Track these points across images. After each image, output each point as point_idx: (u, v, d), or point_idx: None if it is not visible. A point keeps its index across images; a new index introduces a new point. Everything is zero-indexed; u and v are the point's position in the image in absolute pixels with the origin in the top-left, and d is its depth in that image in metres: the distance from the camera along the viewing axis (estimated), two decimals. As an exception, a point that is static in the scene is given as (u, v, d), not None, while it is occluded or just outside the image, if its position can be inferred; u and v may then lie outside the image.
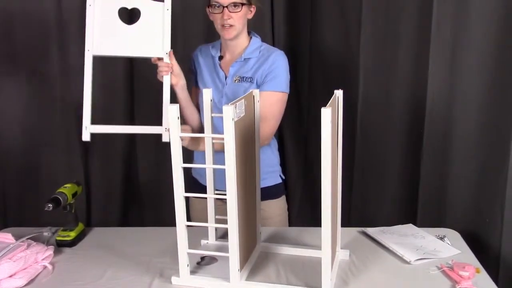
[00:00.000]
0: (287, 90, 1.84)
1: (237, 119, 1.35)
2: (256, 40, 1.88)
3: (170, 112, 1.32)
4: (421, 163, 2.11)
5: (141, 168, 2.52)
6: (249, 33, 1.88)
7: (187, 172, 1.69)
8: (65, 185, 1.75)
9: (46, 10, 2.30)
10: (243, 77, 1.82)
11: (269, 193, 1.93)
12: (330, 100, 1.34)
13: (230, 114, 1.29)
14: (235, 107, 1.33)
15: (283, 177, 2.02)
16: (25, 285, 1.45)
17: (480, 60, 1.94)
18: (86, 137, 1.72)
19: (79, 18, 2.25)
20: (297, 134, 2.41)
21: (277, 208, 1.98)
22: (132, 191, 2.55)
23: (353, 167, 2.27)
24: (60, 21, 2.30)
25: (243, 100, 1.42)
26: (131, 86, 2.42)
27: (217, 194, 1.62)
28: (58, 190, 1.71)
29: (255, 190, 1.61)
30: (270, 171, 1.96)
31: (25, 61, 2.34)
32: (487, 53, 1.93)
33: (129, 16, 1.73)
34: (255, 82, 1.82)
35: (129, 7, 1.72)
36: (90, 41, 1.70)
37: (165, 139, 1.67)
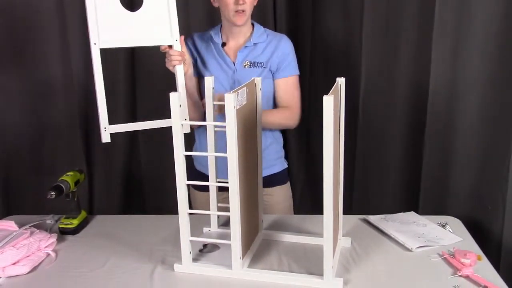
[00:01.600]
0: (298, 72, 1.91)
1: (239, 107, 1.34)
2: (259, 26, 1.89)
3: (171, 100, 1.31)
4: (423, 151, 2.10)
5: (143, 155, 2.52)
6: None
7: (190, 165, 1.68)
8: (68, 173, 1.75)
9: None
10: (254, 62, 1.83)
11: (277, 179, 1.96)
12: (333, 88, 1.34)
13: (232, 101, 1.28)
14: (237, 94, 1.32)
15: (287, 162, 2.05)
16: (28, 272, 1.46)
17: (483, 50, 1.93)
18: (106, 138, 1.64)
19: (80, 6, 2.25)
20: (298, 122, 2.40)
21: (284, 194, 2.01)
22: (134, 179, 2.55)
23: (355, 154, 2.27)
24: (60, 9, 2.29)
25: (245, 88, 1.41)
26: (133, 79, 2.41)
27: (219, 181, 1.62)
28: (61, 178, 1.71)
29: (257, 177, 1.61)
30: (278, 157, 1.99)
31: (27, 49, 2.33)
32: (490, 43, 1.91)
33: (129, 3, 1.70)
34: (268, 67, 1.83)
35: None
36: (95, 33, 1.57)
37: (185, 130, 1.66)
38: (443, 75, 2.02)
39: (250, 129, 1.49)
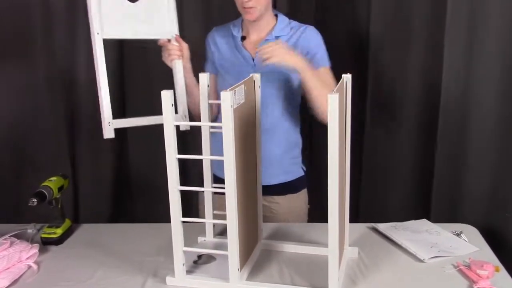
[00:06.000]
0: (329, 64, 1.85)
1: (236, 106, 1.34)
2: (284, 18, 1.89)
3: (163, 98, 1.31)
4: (435, 154, 2.10)
5: (133, 158, 2.52)
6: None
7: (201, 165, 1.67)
8: (51, 178, 1.75)
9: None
10: None
11: (290, 187, 1.95)
12: (338, 85, 1.34)
13: (229, 100, 1.28)
14: (234, 93, 1.32)
15: (304, 169, 2.02)
16: (8, 286, 1.45)
17: (499, 46, 1.94)
18: (109, 133, 1.63)
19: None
20: (302, 119, 2.40)
21: (297, 202, 1.99)
22: (124, 184, 2.55)
23: (362, 157, 2.27)
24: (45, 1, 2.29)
25: (242, 85, 1.41)
26: (121, 74, 2.41)
27: (216, 187, 1.62)
28: (43, 184, 1.71)
29: (256, 182, 1.61)
30: (294, 163, 1.97)
31: (8, 45, 2.33)
32: (506, 38, 1.92)
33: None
34: None
35: None
36: (97, 23, 1.61)
37: (183, 128, 1.66)
38: (457, 73, 2.02)
39: (248, 130, 1.48)
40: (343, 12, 2.24)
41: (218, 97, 1.83)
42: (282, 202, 1.95)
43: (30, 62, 2.35)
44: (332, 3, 2.26)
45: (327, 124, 1.65)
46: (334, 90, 1.24)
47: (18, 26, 2.31)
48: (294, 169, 1.97)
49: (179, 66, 1.72)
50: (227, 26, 1.91)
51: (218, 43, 1.91)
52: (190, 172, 2.30)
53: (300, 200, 2.00)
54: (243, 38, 1.88)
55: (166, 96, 1.31)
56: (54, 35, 2.31)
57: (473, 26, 1.97)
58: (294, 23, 1.89)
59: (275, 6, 2.28)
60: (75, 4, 2.28)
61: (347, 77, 1.47)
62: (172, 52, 1.70)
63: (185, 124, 1.67)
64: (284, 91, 1.85)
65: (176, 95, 1.68)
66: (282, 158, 1.92)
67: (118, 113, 2.37)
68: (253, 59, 1.84)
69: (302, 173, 2.00)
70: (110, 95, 2.38)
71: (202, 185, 1.61)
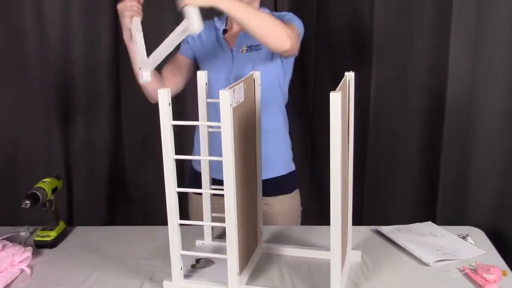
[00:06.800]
0: (297, 24, 1.81)
1: (236, 105, 1.34)
2: (265, 9, 1.91)
3: (160, 97, 1.31)
4: (441, 155, 2.10)
5: (129, 159, 2.51)
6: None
7: (188, 163, 1.65)
8: (44, 180, 1.75)
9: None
10: (251, 46, 1.84)
11: (282, 185, 1.95)
12: (340, 83, 1.33)
13: (228, 99, 1.27)
14: (234, 91, 1.31)
15: (294, 165, 2.02)
16: (0, 290, 1.46)
17: (505, 46, 1.94)
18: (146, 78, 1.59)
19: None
20: (302, 119, 2.40)
21: (291, 203, 1.98)
22: (119, 185, 2.55)
23: (366, 158, 2.27)
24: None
25: (242, 83, 1.41)
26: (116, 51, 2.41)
27: (214, 188, 1.62)
28: (36, 185, 1.71)
29: (256, 184, 1.60)
30: (285, 159, 1.98)
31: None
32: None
33: None
34: (264, 49, 1.81)
35: None
36: None
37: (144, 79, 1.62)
38: (463, 71, 2.02)
39: (248, 129, 1.48)
40: (346, 11, 2.24)
41: (174, 74, 1.91)
42: (273, 203, 1.94)
43: (22, 57, 2.35)
44: (335, 2, 2.26)
45: (286, 51, 1.68)
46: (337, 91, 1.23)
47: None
48: (285, 165, 1.98)
49: (138, 24, 1.68)
50: (212, 20, 1.95)
51: (202, 35, 1.94)
52: (186, 173, 2.31)
53: (293, 201, 1.99)
54: (225, 31, 1.91)
55: (162, 95, 1.31)
56: (46, 30, 2.31)
57: (479, 25, 1.97)
58: (277, 14, 1.90)
59: (275, 6, 2.29)
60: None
61: (349, 75, 1.46)
62: (133, 8, 1.66)
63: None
64: (269, 86, 1.85)
65: (138, 52, 1.64)
66: (272, 154, 1.90)
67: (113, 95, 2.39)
68: (232, 51, 1.87)
69: (293, 168, 2.00)
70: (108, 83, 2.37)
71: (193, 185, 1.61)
